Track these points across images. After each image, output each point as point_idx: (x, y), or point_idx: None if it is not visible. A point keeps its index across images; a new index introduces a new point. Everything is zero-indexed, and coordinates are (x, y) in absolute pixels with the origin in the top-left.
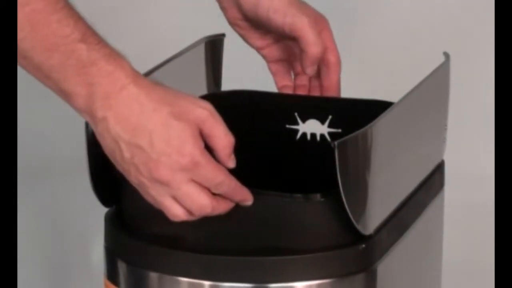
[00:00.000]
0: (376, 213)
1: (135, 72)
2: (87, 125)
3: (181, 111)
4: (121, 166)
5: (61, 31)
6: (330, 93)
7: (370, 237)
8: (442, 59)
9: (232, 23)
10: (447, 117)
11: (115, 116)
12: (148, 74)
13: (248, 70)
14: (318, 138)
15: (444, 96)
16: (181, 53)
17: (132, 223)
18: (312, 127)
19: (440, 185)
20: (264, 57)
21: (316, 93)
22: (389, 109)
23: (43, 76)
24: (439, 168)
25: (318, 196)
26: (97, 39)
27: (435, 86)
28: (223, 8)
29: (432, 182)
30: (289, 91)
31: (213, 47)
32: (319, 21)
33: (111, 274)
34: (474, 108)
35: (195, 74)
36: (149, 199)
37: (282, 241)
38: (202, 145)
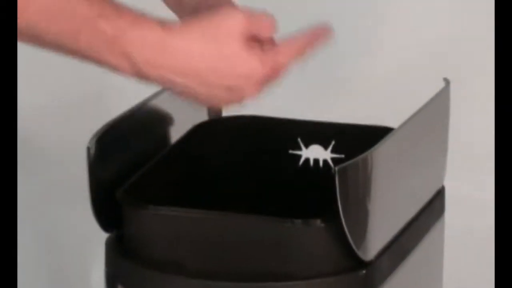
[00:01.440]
0: (376, 239)
1: (164, 26)
2: (88, 149)
3: (224, 33)
4: (203, 94)
5: (78, 14)
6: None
7: (370, 263)
8: (442, 84)
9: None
10: (448, 142)
11: (171, 69)
12: (150, 99)
13: None
14: (321, 163)
15: (444, 121)
16: None
17: (133, 248)
18: (315, 153)
19: (441, 210)
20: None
21: None
22: (389, 135)
23: (81, 57)
24: (440, 194)
25: (318, 222)
26: (115, 10)
27: (435, 112)
28: (177, 15)
29: (433, 208)
30: None
31: None
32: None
33: None
34: (474, 132)
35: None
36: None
37: (282, 266)
38: (257, 47)
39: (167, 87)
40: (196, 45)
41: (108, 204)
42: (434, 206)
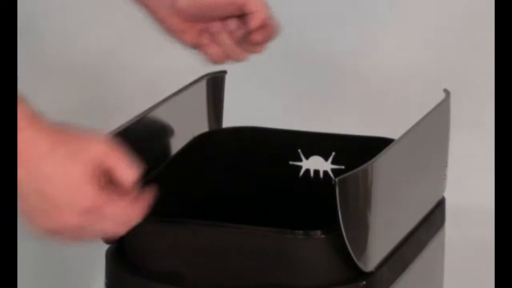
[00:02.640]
0: (377, 250)
1: (32, 113)
2: None
3: (77, 150)
4: (29, 214)
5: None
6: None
7: (371, 274)
8: (442, 95)
9: (164, 22)
10: (448, 154)
11: (20, 163)
12: (150, 110)
13: (250, 106)
14: (321, 174)
15: (445, 132)
16: (182, 90)
17: (133, 259)
18: (316, 164)
19: (441, 222)
20: (198, 48)
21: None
22: (389, 146)
23: None
24: (440, 205)
25: (319, 233)
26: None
27: (436, 123)
28: (153, 12)
29: (433, 219)
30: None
31: (215, 84)
32: None
33: None
34: (474, 143)
35: (197, 111)
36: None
37: (283, 277)
38: (101, 184)
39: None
40: (49, 146)
41: None
42: (435, 217)
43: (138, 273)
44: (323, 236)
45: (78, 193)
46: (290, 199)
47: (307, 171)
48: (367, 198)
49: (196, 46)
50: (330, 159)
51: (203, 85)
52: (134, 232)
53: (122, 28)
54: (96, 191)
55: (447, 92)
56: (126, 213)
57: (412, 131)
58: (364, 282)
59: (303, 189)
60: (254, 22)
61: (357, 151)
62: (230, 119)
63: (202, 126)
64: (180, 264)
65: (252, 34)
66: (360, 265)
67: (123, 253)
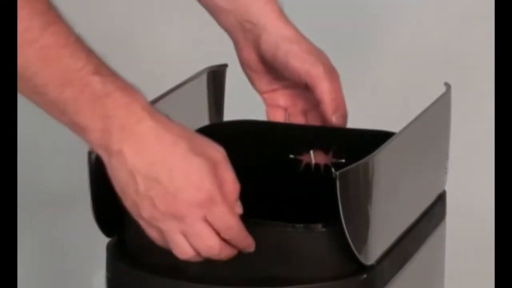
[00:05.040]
0: (377, 244)
1: (150, 105)
2: (89, 154)
3: (200, 148)
4: (133, 200)
5: (73, 65)
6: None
7: (371, 267)
8: (443, 88)
9: (244, 64)
10: (449, 147)
11: (132, 149)
12: (151, 104)
13: (251, 100)
14: (322, 168)
15: (445, 126)
16: (183, 83)
17: (134, 253)
18: (317, 158)
19: (442, 215)
20: (266, 101)
21: None
22: (390, 140)
23: (58, 111)
24: (441, 198)
25: (319, 226)
26: (110, 72)
27: (436, 116)
28: (238, 49)
29: (434, 213)
30: None
31: (216, 77)
32: (333, 72)
33: None
34: (474, 138)
35: (197, 104)
36: (156, 235)
37: (283, 271)
38: (219, 183)
39: (111, 171)
40: (172, 138)
41: (109, 208)
42: (435, 210)
43: (140, 266)
44: (323, 229)
45: (196, 184)
46: (290, 192)
47: (308, 164)
48: (367, 191)
49: (263, 94)
50: (331, 152)
51: (204, 78)
52: (135, 225)
53: (122, 23)
54: (213, 186)
55: (448, 85)
56: (230, 221)
57: (413, 124)
58: (365, 276)
59: (303, 182)
60: (328, 111)
61: (358, 144)
62: (231, 112)
63: (203, 120)
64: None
65: (329, 118)
66: (361, 258)
67: (124, 246)
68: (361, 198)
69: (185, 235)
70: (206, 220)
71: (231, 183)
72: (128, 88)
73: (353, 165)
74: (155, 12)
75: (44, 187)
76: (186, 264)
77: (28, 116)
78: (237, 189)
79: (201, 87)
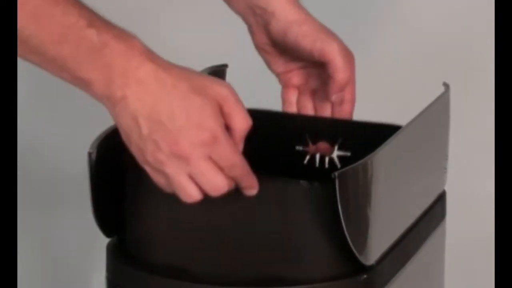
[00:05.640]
0: (377, 244)
1: (148, 49)
2: (89, 154)
3: (201, 86)
4: (137, 145)
5: (67, 21)
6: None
7: (371, 267)
8: (441, 88)
9: (258, 47)
10: (448, 147)
11: (134, 93)
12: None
13: (254, 90)
14: (327, 162)
15: (444, 126)
16: None
17: (134, 253)
18: (321, 150)
19: (442, 215)
20: (281, 81)
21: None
22: (389, 140)
23: (58, 68)
24: (441, 199)
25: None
26: (104, 23)
27: (435, 117)
28: (251, 32)
29: (434, 213)
30: None
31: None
32: (348, 52)
33: None
34: (474, 137)
35: None
36: (162, 181)
37: (285, 271)
38: (223, 121)
39: (117, 119)
40: (172, 80)
41: (109, 209)
42: (435, 210)
43: (140, 267)
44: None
45: (198, 124)
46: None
47: (313, 157)
48: (367, 192)
49: (279, 75)
50: (337, 145)
51: None
52: (136, 225)
53: (118, 21)
54: (216, 125)
55: (446, 85)
56: (235, 159)
57: (411, 124)
58: (365, 276)
59: (307, 175)
60: (334, 89)
61: (364, 137)
62: None
63: None
64: (182, 257)
65: (330, 95)
66: (361, 258)
67: (124, 247)
68: (361, 198)
69: (191, 176)
70: (211, 159)
71: (241, 118)
72: (124, 35)
73: (352, 166)
74: (154, 11)
75: (44, 187)
76: (187, 263)
77: (28, 114)
78: (247, 124)
79: None
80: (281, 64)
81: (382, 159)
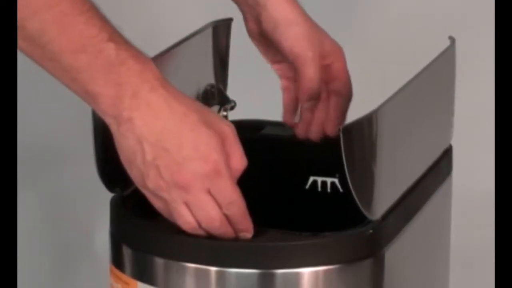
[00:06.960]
0: (383, 199)
1: (162, 75)
2: (93, 111)
3: (210, 120)
4: (138, 169)
5: (88, 32)
6: (334, 122)
7: (377, 222)
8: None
9: (251, 35)
10: (454, 102)
11: (142, 117)
12: (155, 58)
13: (257, 100)
14: (328, 187)
15: (450, 80)
16: (187, 38)
17: (138, 208)
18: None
19: (448, 170)
20: (276, 71)
21: (320, 117)
22: (394, 94)
23: (70, 78)
24: (447, 153)
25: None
26: (124, 40)
27: (441, 70)
28: (244, 19)
29: (440, 168)
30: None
31: (220, 32)
32: (332, 54)
33: (117, 260)
34: (476, 99)
35: (202, 60)
36: (160, 205)
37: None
38: (225, 157)
39: (119, 139)
40: (183, 109)
41: (113, 163)
42: (441, 165)
43: (143, 222)
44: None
45: (204, 156)
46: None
47: (314, 182)
48: (372, 146)
49: (272, 64)
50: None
51: (209, 33)
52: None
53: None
54: (220, 159)
55: (452, 39)
56: (233, 196)
57: (417, 78)
58: (371, 231)
59: (309, 201)
60: (301, 96)
61: None
62: (235, 112)
63: (207, 75)
64: None
65: (301, 102)
66: (367, 213)
67: (128, 202)
68: (366, 153)
69: (188, 206)
70: (210, 193)
71: (238, 158)
72: (141, 57)
73: (357, 120)
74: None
75: (47, 142)
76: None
77: (28, 74)
78: (243, 165)
79: (206, 42)
80: (270, 55)
81: (387, 113)
